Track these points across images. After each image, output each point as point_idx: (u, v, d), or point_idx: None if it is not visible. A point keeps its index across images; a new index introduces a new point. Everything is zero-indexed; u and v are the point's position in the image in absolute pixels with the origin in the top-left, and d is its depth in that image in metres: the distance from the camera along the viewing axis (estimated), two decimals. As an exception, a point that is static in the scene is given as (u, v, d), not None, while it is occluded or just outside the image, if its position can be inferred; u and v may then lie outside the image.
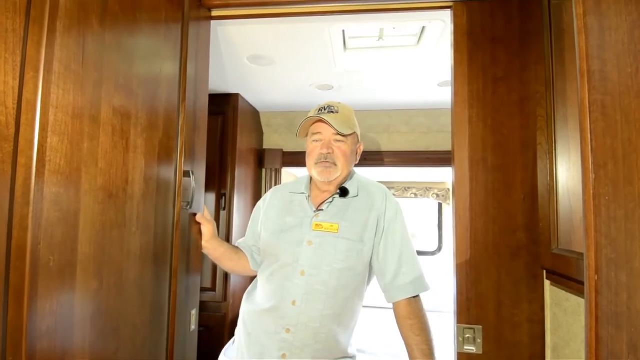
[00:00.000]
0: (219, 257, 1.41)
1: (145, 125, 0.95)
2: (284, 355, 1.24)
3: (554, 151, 1.13)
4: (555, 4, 1.12)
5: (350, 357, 1.34)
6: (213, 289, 2.34)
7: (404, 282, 1.26)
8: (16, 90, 0.62)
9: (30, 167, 0.62)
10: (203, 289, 2.27)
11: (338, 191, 1.35)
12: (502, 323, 1.19)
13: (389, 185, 4.00)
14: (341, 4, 1.33)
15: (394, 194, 3.91)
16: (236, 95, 2.43)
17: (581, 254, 0.88)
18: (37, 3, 0.64)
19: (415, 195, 4.03)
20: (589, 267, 0.55)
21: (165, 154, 1.06)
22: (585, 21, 0.58)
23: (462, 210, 1.23)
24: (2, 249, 0.60)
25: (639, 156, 0.48)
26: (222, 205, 2.36)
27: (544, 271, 1.17)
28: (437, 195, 4.00)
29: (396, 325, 1.27)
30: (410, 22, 1.52)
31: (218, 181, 2.38)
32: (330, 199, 1.34)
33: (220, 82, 2.23)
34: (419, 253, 1.40)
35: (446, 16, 1.36)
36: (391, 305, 1.31)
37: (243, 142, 2.50)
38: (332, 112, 1.32)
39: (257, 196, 2.80)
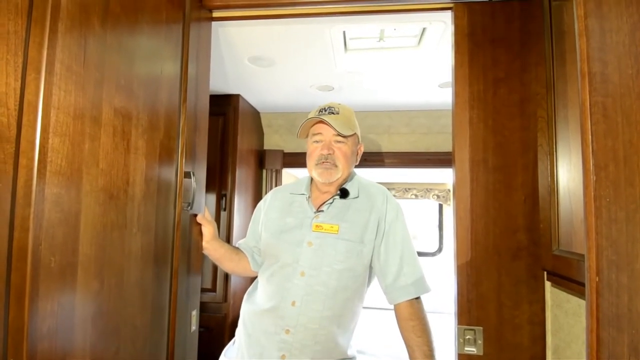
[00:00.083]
0: (220, 258, 1.41)
1: (146, 126, 0.95)
2: (283, 356, 1.24)
3: (554, 152, 1.13)
4: (555, 5, 1.12)
5: (350, 358, 1.34)
6: (213, 289, 2.34)
7: (405, 283, 1.26)
8: (18, 92, 0.62)
9: (31, 168, 0.62)
10: (203, 290, 2.27)
11: (338, 192, 1.35)
12: (502, 324, 1.19)
13: (390, 186, 4.00)
14: (342, 5, 1.33)
15: (394, 195, 3.92)
16: (237, 96, 2.43)
17: (582, 256, 0.87)
18: (38, 4, 0.64)
19: (416, 196, 4.03)
20: (590, 269, 0.55)
21: (166, 154, 1.06)
22: (586, 23, 0.58)
23: (463, 211, 1.23)
24: (3, 250, 0.60)
25: (640, 158, 0.48)
26: (223, 206, 2.36)
27: (545, 272, 1.17)
28: (438, 196, 4.00)
29: (397, 326, 1.27)
30: (410, 23, 1.52)
31: (218, 182, 2.38)
32: (331, 200, 1.34)
33: (221, 82, 2.23)
34: (420, 254, 1.40)
35: (447, 17, 1.36)
36: (391, 306, 1.31)
37: (244, 142, 2.50)
38: (333, 113, 1.32)
39: (257, 197, 2.80)
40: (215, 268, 2.32)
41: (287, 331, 1.24)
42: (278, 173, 2.86)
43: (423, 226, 4.31)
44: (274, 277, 1.32)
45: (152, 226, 0.98)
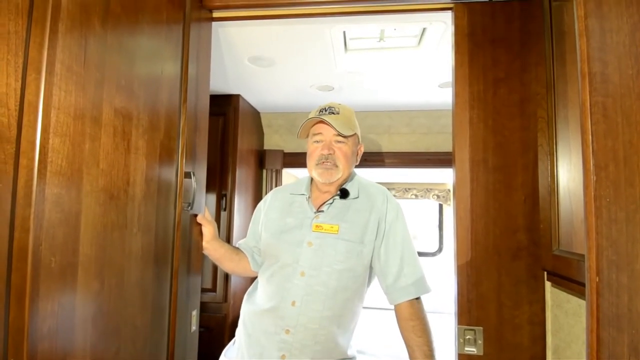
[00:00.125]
0: (220, 258, 1.41)
1: (146, 126, 0.95)
2: (283, 356, 1.24)
3: (554, 152, 1.13)
4: (556, 5, 1.12)
5: (350, 358, 1.34)
6: (213, 289, 2.34)
7: (406, 283, 1.26)
8: (18, 92, 0.62)
9: (32, 169, 0.62)
10: (203, 290, 2.27)
11: (338, 192, 1.35)
12: (502, 324, 1.19)
13: (390, 186, 4.00)
14: (342, 5, 1.33)
15: (394, 195, 3.92)
16: (237, 96, 2.43)
17: (582, 256, 0.87)
18: (39, 5, 0.64)
19: (416, 196, 4.03)
20: (590, 269, 0.55)
21: (166, 155, 1.06)
22: (586, 23, 0.58)
23: (463, 211, 1.23)
24: (3, 250, 0.60)
25: (640, 158, 0.48)
26: (223, 206, 2.36)
27: (545, 272, 1.17)
28: (438, 196, 4.00)
29: (397, 326, 1.27)
30: (411, 24, 1.52)
31: (219, 182, 2.38)
32: (331, 201, 1.34)
33: (221, 83, 2.23)
34: (420, 254, 1.40)
35: (447, 17, 1.36)
36: (391, 306, 1.31)
37: (244, 142, 2.50)
38: (333, 113, 1.32)
39: (257, 197, 2.80)
40: (215, 268, 2.32)
41: (287, 331, 1.24)
42: (278, 173, 2.86)
43: (423, 226, 4.31)
44: (274, 277, 1.33)
45: (153, 226, 0.99)
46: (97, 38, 0.77)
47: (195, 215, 1.27)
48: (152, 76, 0.99)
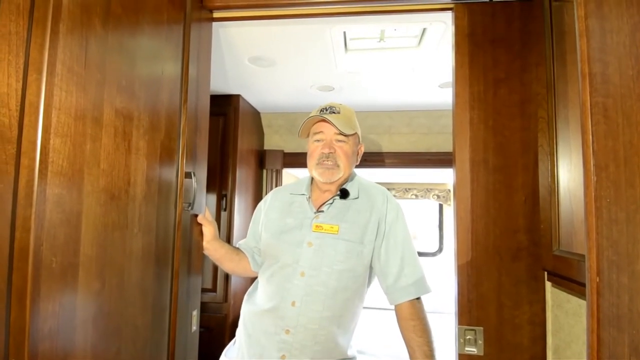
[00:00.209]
0: (220, 258, 1.41)
1: (147, 126, 0.95)
2: (283, 356, 1.24)
3: (555, 153, 1.13)
4: (556, 5, 1.12)
5: (350, 358, 1.34)
6: (214, 289, 2.34)
7: (406, 283, 1.26)
8: (19, 92, 0.62)
9: (33, 169, 0.62)
10: (204, 290, 2.27)
11: (338, 192, 1.35)
12: (503, 324, 1.19)
13: (390, 186, 4.00)
14: (342, 5, 1.33)
15: (394, 195, 3.92)
16: (237, 97, 2.43)
17: (582, 256, 0.87)
18: (40, 5, 0.64)
19: (416, 196, 4.03)
20: (591, 269, 0.55)
21: (166, 155, 1.06)
22: (587, 24, 0.58)
23: (463, 211, 1.23)
24: (4, 251, 0.60)
25: (641, 159, 0.49)
26: (223, 206, 2.36)
27: (545, 273, 1.17)
28: (438, 196, 4.00)
29: (397, 326, 1.27)
30: (411, 24, 1.52)
31: (219, 182, 2.38)
32: (331, 201, 1.35)
33: (221, 83, 2.23)
34: (420, 254, 1.40)
35: (447, 18, 1.36)
36: (391, 306, 1.31)
37: (244, 143, 2.50)
38: (334, 112, 1.32)
39: (258, 197, 2.80)
40: (215, 268, 2.32)
41: (287, 331, 1.24)
42: (278, 173, 2.86)
43: (423, 226, 4.31)
44: (274, 277, 1.33)
45: (153, 226, 0.99)
46: (98, 38, 0.77)
47: (196, 216, 1.27)
48: (152, 76, 0.99)
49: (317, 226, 1.31)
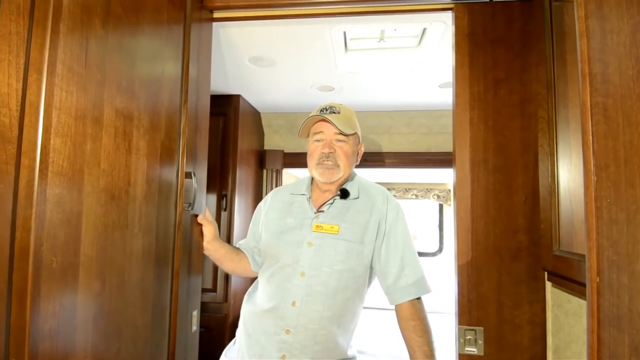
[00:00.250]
0: (220, 258, 1.41)
1: (147, 126, 0.95)
2: (283, 356, 1.24)
3: (555, 153, 1.13)
4: (556, 6, 1.13)
5: (350, 358, 1.34)
6: (214, 289, 2.34)
7: (406, 283, 1.26)
8: (19, 92, 0.62)
9: (33, 169, 0.62)
10: (204, 290, 2.27)
11: (339, 192, 1.35)
12: (503, 324, 1.19)
13: (390, 186, 4.00)
14: (342, 6, 1.33)
15: (394, 195, 3.92)
16: (237, 97, 2.44)
17: (582, 256, 0.87)
18: (40, 5, 0.64)
19: (416, 196, 4.03)
20: (591, 269, 0.56)
21: (167, 155, 1.06)
22: (587, 24, 0.58)
23: (463, 211, 1.23)
24: (5, 251, 0.60)
25: (641, 159, 0.49)
26: (223, 206, 2.36)
27: (545, 273, 1.17)
28: (438, 196, 4.00)
29: (397, 326, 1.27)
30: (411, 24, 1.52)
31: (219, 182, 2.38)
32: (331, 201, 1.35)
33: (221, 83, 2.23)
34: (420, 254, 1.40)
35: (447, 18, 1.36)
36: (391, 306, 1.31)
37: (244, 143, 2.50)
38: (334, 112, 1.32)
39: (258, 197, 2.80)
40: (215, 268, 2.32)
41: (287, 331, 1.24)
42: (278, 173, 2.86)
43: (423, 226, 4.31)
44: (274, 277, 1.33)
45: (153, 226, 0.99)
46: (98, 38, 0.77)
47: (196, 216, 1.27)
48: (153, 77, 0.99)
49: (317, 226, 1.31)
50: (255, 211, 1.53)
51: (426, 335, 1.21)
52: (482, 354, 1.18)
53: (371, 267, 1.33)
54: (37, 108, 0.63)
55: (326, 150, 1.30)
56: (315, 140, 1.34)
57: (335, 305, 1.26)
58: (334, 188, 1.36)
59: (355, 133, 1.36)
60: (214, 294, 2.34)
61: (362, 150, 1.44)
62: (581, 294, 0.98)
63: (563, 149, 1.09)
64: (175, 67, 1.12)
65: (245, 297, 1.45)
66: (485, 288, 1.20)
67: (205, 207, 1.34)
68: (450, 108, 1.32)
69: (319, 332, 1.24)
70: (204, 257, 1.37)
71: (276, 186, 2.83)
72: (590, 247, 0.56)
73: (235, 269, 1.47)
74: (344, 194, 1.35)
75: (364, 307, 1.40)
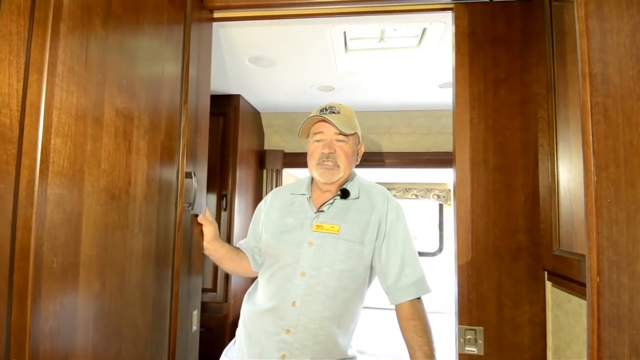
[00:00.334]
0: (220, 258, 1.41)
1: (147, 126, 0.95)
2: (283, 356, 1.24)
3: (555, 153, 1.13)
4: (556, 6, 1.13)
5: (350, 358, 1.34)
6: (214, 289, 2.34)
7: (407, 283, 1.26)
8: (20, 92, 0.62)
9: (33, 169, 0.62)
10: (204, 290, 2.27)
11: (339, 192, 1.35)
12: (503, 324, 1.19)
13: (390, 186, 4.00)
14: (342, 5, 1.33)
15: (394, 195, 3.92)
16: (237, 97, 2.44)
17: (583, 256, 0.88)
18: (40, 5, 0.64)
19: (416, 196, 4.03)
20: (591, 269, 0.56)
21: (167, 155, 1.06)
22: (587, 24, 0.58)
23: (463, 211, 1.23)
24: (5, 251, 0.60)
25: (641, 159, 0.49)
26: (223, 206, 2.37)
27: (545, 272, 1.17)
28: (438, 196, 4.00)
29: (397, 326, 1.27)
30: (411, 24, 1.53)
31: (219, 182, 2.38)
32: (331, 201, 1.35)
33: (221, 83, 2.23)
34: (420, 254, 1.40)
35: (447, 18, 1.36)
36: (391, 306, 1.31)
37: (244, 143, 2.50)
38: (334, 112, 1.32)
39: (258, 197, 2.80)
40: (215, 268, 2.32)
41: (288, 331, 1.24)
42: (278, 173, 2.86)
43: (423, 226, 4.31)
44: (274, 277, 1.33)
45: (154, 226, 0.99)
46: (98, 39, 0.77)
47: (196, 216, 1.27)
48: (153, 76, 0.99)
49: (317, 226, 1.31)
50: (256, 211, 1.53)
51: (426, 335, 1.21)
52: (482, 353, 1.19)
53: (371, 267, 1.33)
54: (38, 108, 0.63)
55: (326, 151, 1.30)
56: (315, 141, 1.34)
57: (335, 305, 1.26)
58: (334, 188, 1.36)
59: (355, 133, 1.36)
60: (214, 293, 2.34)
61: (362, 150, 1.44)
62: (581, 294, 0.98)
63: (563, 149, 1.09)
64: (176, 67, 1.12)
65: (245, 297, 1.45)
66: (485, 288, 1.20)
67: (206, 207, 1.34)
68: (450, 108, 1.32)
69: (319, 332, 1.24)
70: (204, 257, 1.37)
71: (276, 186, 2.83)
72: (591, 247, 0.56)
73: (236, 269, 1.47)
74: (344, 194, 1.35)
75: (364, 307, 1.40)
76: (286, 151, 2.85)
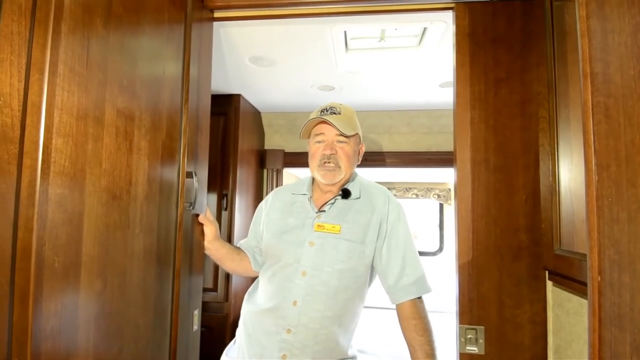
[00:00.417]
0: (221, 258, 1.41)
1: (148, 126, 0.95)
2: (284, 356, 1.24)
3: (556, 152, 1.13)
4: (557, 5, 1.13)
5: (351, 358, 1.34)
6: (215, 289, 2.34)
7: (408, 283, 1.26)
8: (21, 92, 0.62)
9: (35, 169, 0.62)
10: (205, 290, 2.26)
11: (340, 192, 1.36)
12: (504, 324, 1.19)
13: (390, 185, 4.00)
14: (343, 5, 1.33)
15: (395, 195, 3.92)
16: (238, 96, 2.44)
17: (584, 255, 0.88)
18: (42, 5, 0.64)
19: (417, 195, 4.03)
20: (592, 268, 0.56)
21: (168, 155, 1.06)
22: (588, 24, 0.58)
23: (464, 211, 1.23)
24: (7, 250, 0.60)
25: (642, 158, 0.49)
26: (224, 206, 2.37)
27: (546, 272, 1.17)
28: (439, 196, 4.00)
29: (398, 325, 1.27)
30: (411, 23, 1.52)
31: (220, 182, 2.38)
32: (332, 201, 1.35)
33: (222, 82, 2.23)
34: (420, 253, 1.40)
35: (448, 17, 1.36)
36: (391, 305, 1.31)
37: (244, 142, 2.50)
38: (335, 113, 1.32)
39: (258, 197, 2.80)
40: (216, 268, 2.32)
41: (288, 331, 1.24)
42: (279, 173, 2.86)
43: (424, 226, 4.31)
44: (275, 277, 1.33)
45: (155, 226, 0.99)
46: (99, 38, 0.77)
47: (197, 215, 1.27)
48: (154, 76, 0.99)
49: (319, 226, 1.31)
50: (256, 211, 1.53)
51: (427, 334, 1.21)
52: (482, 353, 1.19)
53: (372, 267, 1.33)
54: (39, 108, 0.63)
55: (327, 152, 1.31)
56: (317, 142, 1.34)
57: (336, 304, 1.26)
58: (335, 188, 1.36)
59: (356, 134, 1.36)
60: (215, 293, 2.34)
61: (363, 150, 1.44)
62: (582, 293, 0.98)
63: (564, 149, 1.09)
64: (176, 67, 1.12)
65: (246, 296, 1.45)
66: (486, 287, 1.20)
67: (206, 206, 1.34)
68: (451, 108, 1.32)
69: (319, 331, 1.24)
70: (205, 257, 1.37)
71: (277, 186, 2.83)
72: (592, 246, 0.56)
73: (236, 268, 1.47)
74: (346, 194, 1.35)
75: (365, 307, 1.40)
76: (286, 151, 2.85)
